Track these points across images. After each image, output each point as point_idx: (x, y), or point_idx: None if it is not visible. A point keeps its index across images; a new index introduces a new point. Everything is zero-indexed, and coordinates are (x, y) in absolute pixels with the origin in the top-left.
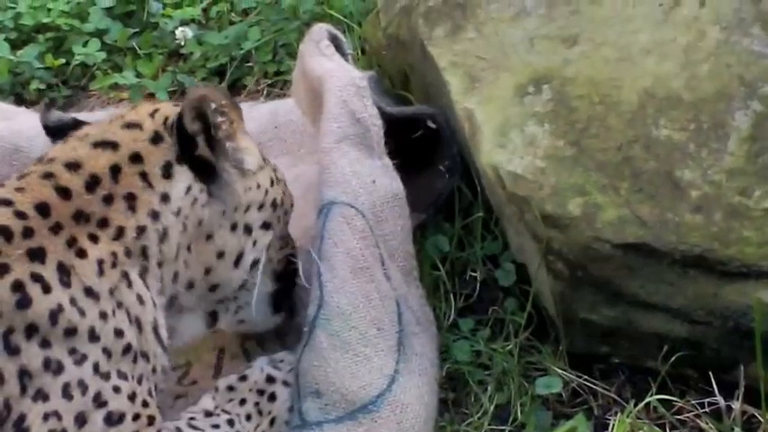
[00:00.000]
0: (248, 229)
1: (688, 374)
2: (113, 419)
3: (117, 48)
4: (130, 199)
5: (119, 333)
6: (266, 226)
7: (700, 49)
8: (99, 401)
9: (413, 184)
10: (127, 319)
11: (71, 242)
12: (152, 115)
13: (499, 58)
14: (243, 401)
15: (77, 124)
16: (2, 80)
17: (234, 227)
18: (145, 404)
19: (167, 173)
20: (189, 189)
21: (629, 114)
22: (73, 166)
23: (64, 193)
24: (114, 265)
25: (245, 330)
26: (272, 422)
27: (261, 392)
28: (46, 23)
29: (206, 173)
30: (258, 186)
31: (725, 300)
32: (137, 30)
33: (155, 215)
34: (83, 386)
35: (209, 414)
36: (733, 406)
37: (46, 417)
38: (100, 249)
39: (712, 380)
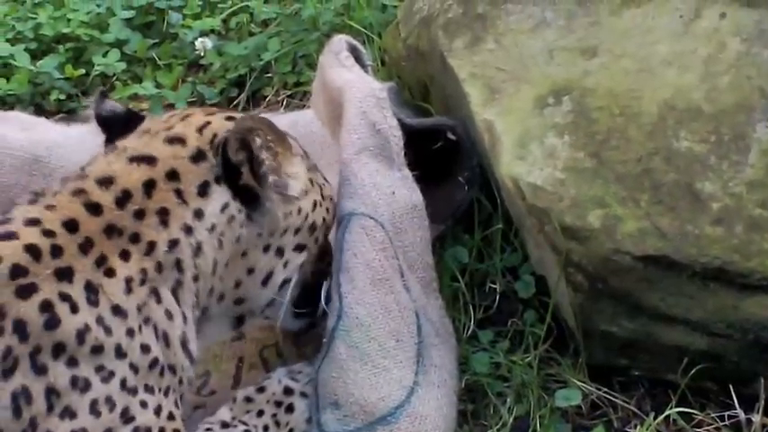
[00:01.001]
0: (280, 252)
1: (708, 387)
2: None
3: (137, 58)
4: (163, 213)
5: (145, 348)
6: (300, 248)
7: (720, 60)
8: (126, 417)
9: (432, 196)
10: (154, 334)
11: (100, 261)
12: (200, 131)
13: (519, 69)
14: (260, 413)
15: (131, 116)
16: (22, 90)
17: (267, 248)
18: (171, 417)
19: (204, 191)
20: (225, 207)
21: (650, 126)
22: (105, 182)
23: (94, 209)
24: (143, 282)
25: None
26: None
27: (278, 404)
28: (66, 34)
29: (249, 199)
30: (299, 211)
31: (745, 312)
32: (156, 40)
33: (188, 230)
34: (110, 403)
35: (225, 425)
36: (753, 419)
37: None
38: (129, 267)
39: (732, 392)
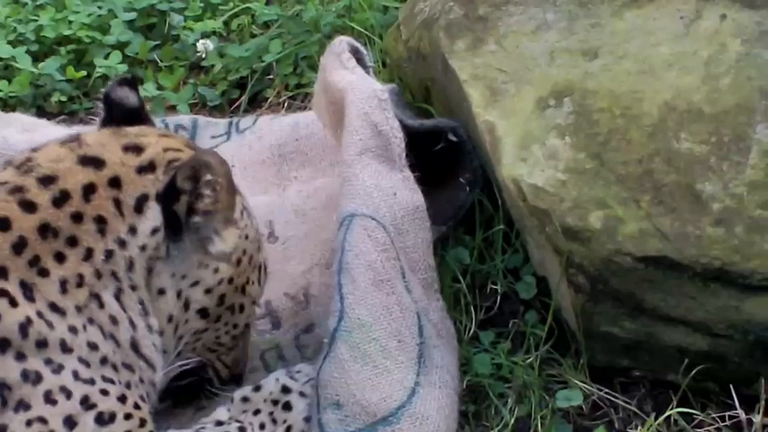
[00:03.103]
0: (187, 305)
1: (709, 388)
2: (105, 419)
3: (138, 60)
4: (100, 222)
5: (93, 346)
6: (203, 314)
7: (721, 62)
8: (87, 404)
9: (434, 197)
10: (101, 333)
11: (33, 261)
12: (166, 150)
13: (520, 71)
14: (257, 411)
15: (137, 113)
16: (23, 92)
17: (179, 294)
18: (136, 407)
19: (140, 206)
20: (155, 231)
21: (651, 127)
22: (46, 181)
23: (28, 207)
24: (80, 285)
25: None
26: (288, 430)
27: (275, 402)
28: (67, 36)
29: (173, 229)
30: (215, 271)
31: (746, 313)
32: (158, 42)
33: (122, 243)
34: (66, 391)
35: (220, 423)
36: (754, 419)
37: (29, 423)
38: (64, 269)
39: (733, 393)
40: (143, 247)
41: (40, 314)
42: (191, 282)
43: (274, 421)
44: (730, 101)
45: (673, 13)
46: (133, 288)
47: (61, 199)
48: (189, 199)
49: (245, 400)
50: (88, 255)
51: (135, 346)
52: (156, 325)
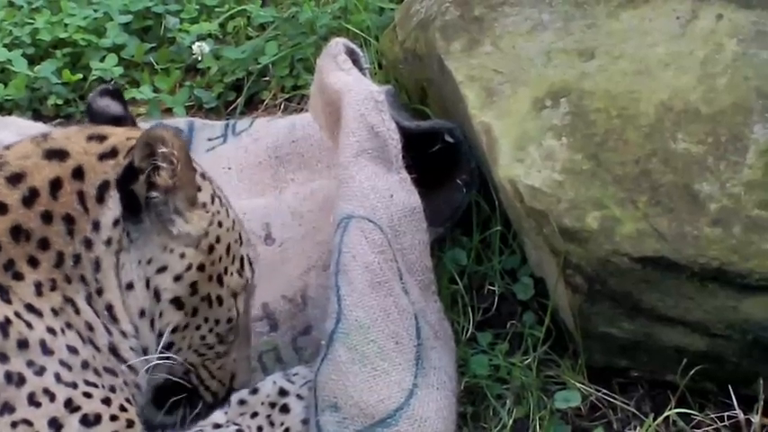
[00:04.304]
0: (157, 294)
1: (707, 388)
2: (90, 421)
3: (134, 63)
4: (69, 222)
5: (72, 350)
6: (178, 304)
7: (717, 61)
8: (72, 407)
9: (430, 199)
10: (79, 338)
11: (8, 265)
12: (130, 138)
13: (516, 71)
14: (254, 414)
15: (122, 119)
16: (19, 96)
17: (147, 284)
18: (122, 408)
19: (101, 195)
20: (117, 222)
21: (647, 128)
22: (14, 179)
23: (0, 208)
24: (54, 288)
25: None
26: None
27: (273, 405)
28: (63, 39)
29: (132, 210)
30: (182, 256)
31: (744, 313)
32: (154, 45)
33: (88, 243)
34: (49, 394)
35: (217, 426)
36: (752, 419)
37: (14, 425)
38: (38, 273)
39: (732, 393)
40: (108, 242)
41: (18, 314)
42: (157, 267)
43: (272, 424)
44: (727, 101)
45: (669, 14)
46: (99, 292)
47: (30, 198)
48: (146, 176)
49: (242, 402)
50: (59, 260)
51: (114, 351)
52: (129, 329)
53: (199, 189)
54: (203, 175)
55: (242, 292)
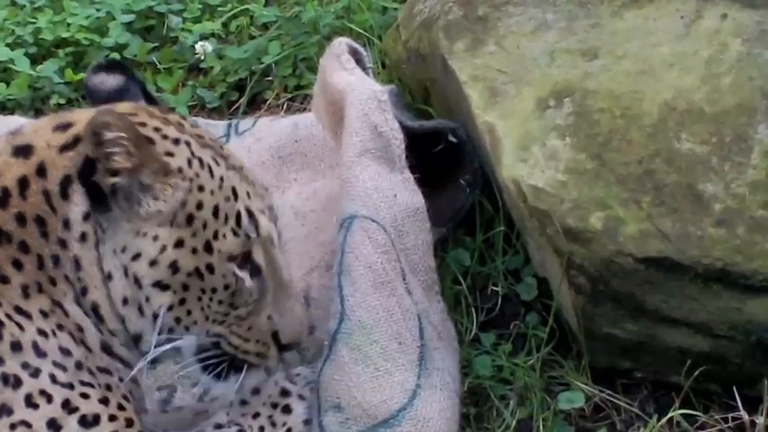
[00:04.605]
0: (137, 281)
1: (711, 389)
2: (88, 421)
3: (137, 62)
4: (41, 224)
5: (65, 351)
6: (162, 287)
7: (722, 61)
8: (69, 407)
9: (434, 199)
10: (72, 339)
11: None
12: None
13: (520, 71)
14: (256, 415)
15: (125, 90)
16: (21, 95)
17: (125, 272)
18: (120, 407)
19: (65, 191)
20: (87, 215)
21: (651, 128)
22: None
23: None
24: (41, 290)
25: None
26: None
27: (274, 405)
28: (65, 38)
29: (100, 200)
30: (154, 239)
31: (748, 314)
32: (156, 44)
33: (63, 243)
34: (46, 395)
35: (219, 427)
36: (757, 421)
37: (13, 427)
38: (24, 276)
39: (736, 394)
40: (82, 237)
41: (8, 316)
42: (132, 254)
43: (273, 424)
44: (731, 101)
45: (673, 13)
46: (84, 292)
47: (4, 199)
48: (103, 165)
49: (243, 403)
50: (40, 263)
51: (107, 349)
52: (116, 327)
53: (170, 155)
54: (177, 141)
55: (254, 247)
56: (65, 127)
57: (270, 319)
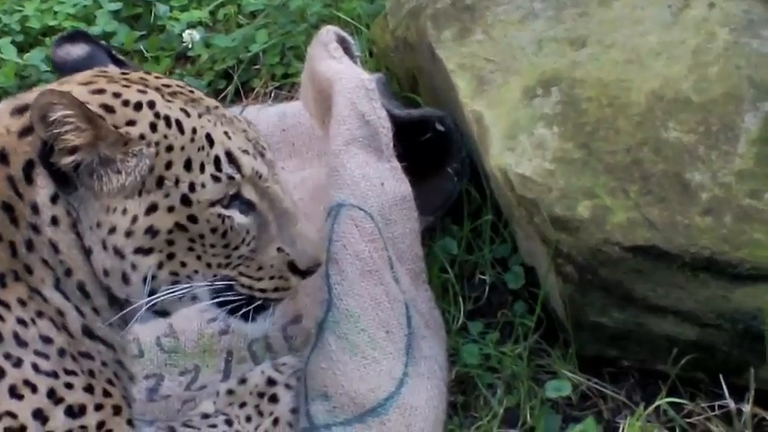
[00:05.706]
0: (119, 252)
1: (698, 377)
2: (75, 412)
3: (124, 51)
4: (9, 210)
5: (46, 339)
6: (144, 252)
7: (709, 50)
8: (55, 398)
9: (421, 187)
10: (53, 326)
11: None
12: None
13: (507, 60)
14: (243, 404)
15: (89, 62)
16: (8, 83)
17: (104, 245)
18: (106, 394)
19: (29, 176)
20: (55, 197)
21: (638, 117)
22: None
23: None
24: (17, 279)
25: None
26: (275, 422)
27: (261, 395)
28: (53, 26)
29: (65, 181)
30: (123, 212)
31: (735, 303)
32: (144, 32)
33: (35, 228)
34: (30, 385)
35: (206, 416)
36: (743, 409)
37: None
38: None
39: (722, 383)
40: (54, 221)
41: None
42: (107, 229)
43: (261, 413)
44: (718, 90)
45: (660, 2)
46: (69, 273)
47: None
48: (57, 145)
49: (230, 392)
50: (13, 250)
51: (88, 333)
52: (102, 302)
53: (131, 123)
54: (138, 105)
55: (242, 186)
56: (21, 110)
57: (281, 252)
